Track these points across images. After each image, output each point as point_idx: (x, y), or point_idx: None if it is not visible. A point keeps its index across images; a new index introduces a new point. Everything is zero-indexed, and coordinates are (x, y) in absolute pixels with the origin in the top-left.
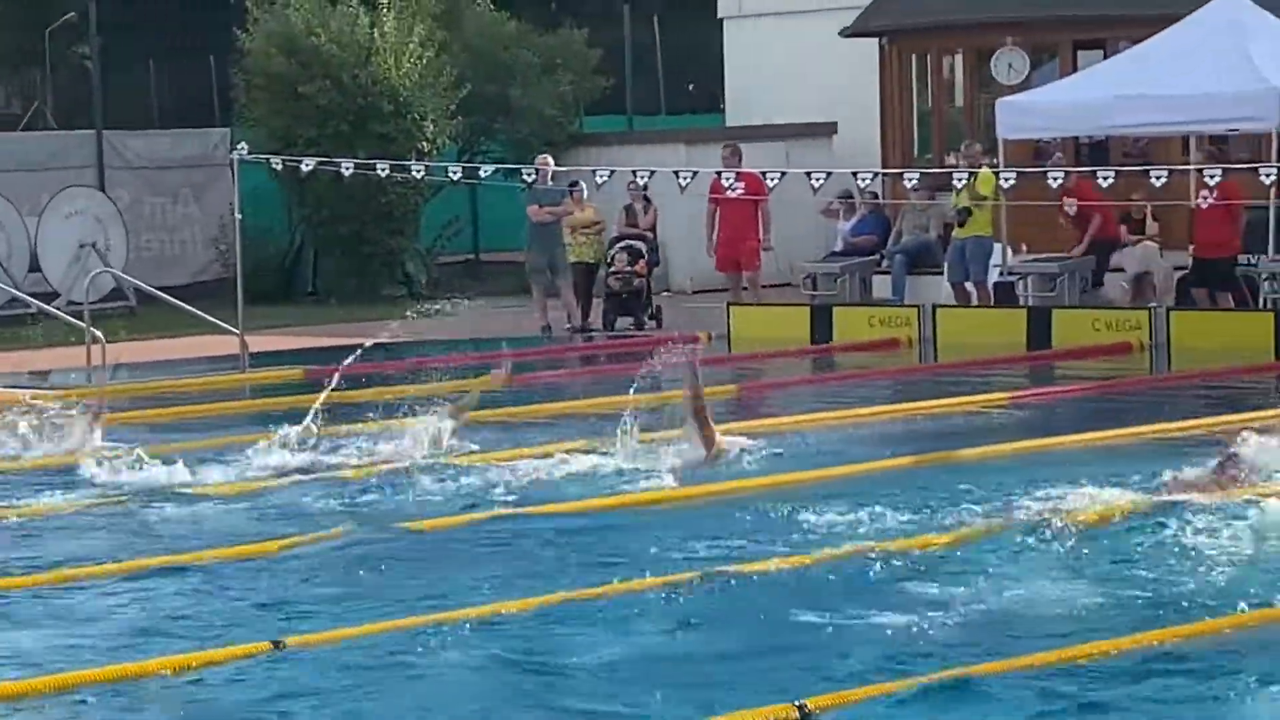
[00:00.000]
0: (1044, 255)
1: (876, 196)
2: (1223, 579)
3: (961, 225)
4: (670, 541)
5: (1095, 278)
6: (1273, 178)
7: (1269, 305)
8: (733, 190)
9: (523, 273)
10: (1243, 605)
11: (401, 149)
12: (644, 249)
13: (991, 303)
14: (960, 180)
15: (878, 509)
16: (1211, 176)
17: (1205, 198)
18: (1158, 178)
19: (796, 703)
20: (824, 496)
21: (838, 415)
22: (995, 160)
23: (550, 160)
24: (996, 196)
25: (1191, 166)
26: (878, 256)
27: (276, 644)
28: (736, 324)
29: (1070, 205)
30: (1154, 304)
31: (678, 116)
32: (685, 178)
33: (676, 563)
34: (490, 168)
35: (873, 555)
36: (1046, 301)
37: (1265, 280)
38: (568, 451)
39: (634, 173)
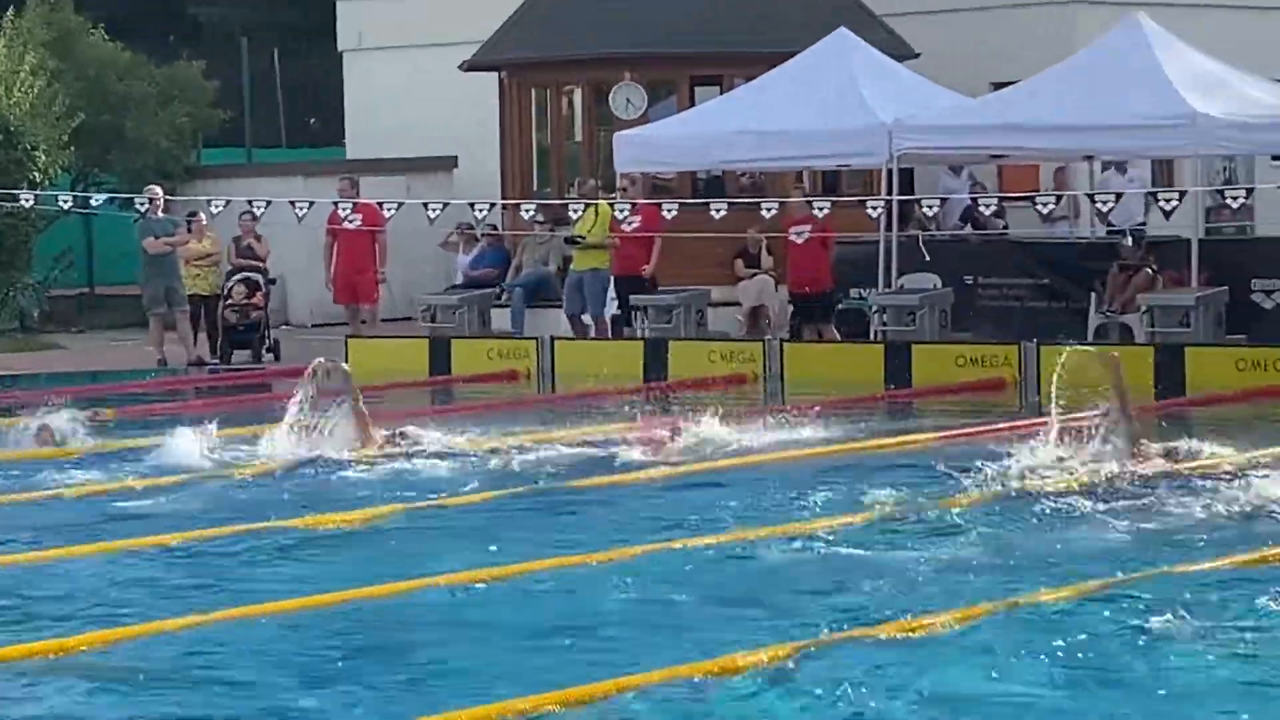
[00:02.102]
0: (663, 289)
1: (496, 229)
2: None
3: (570, 241)
4: None
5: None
6: (880, 212)
7: (879, 338)
8: (350, 222)
9: (140, 305)
10: None
11: (12, 179)
12: (261, 281)
13: (609, 335)
14: (579, 213)
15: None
16: (820, 210)
17: (800, 233)
18: (769, 210)
19: None
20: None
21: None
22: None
23: (159, 191)
24: (609, 231)
25: (802, 199)
26: (497, 289)
27: None
28: (355, 357)
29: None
30: (769, 336)
31: (298, 150)
32: (302, 209)
33: None
34: (101, 197)
35: None
36: (664, 333)
37: (875, 313)
38: None
39: (249, 203)
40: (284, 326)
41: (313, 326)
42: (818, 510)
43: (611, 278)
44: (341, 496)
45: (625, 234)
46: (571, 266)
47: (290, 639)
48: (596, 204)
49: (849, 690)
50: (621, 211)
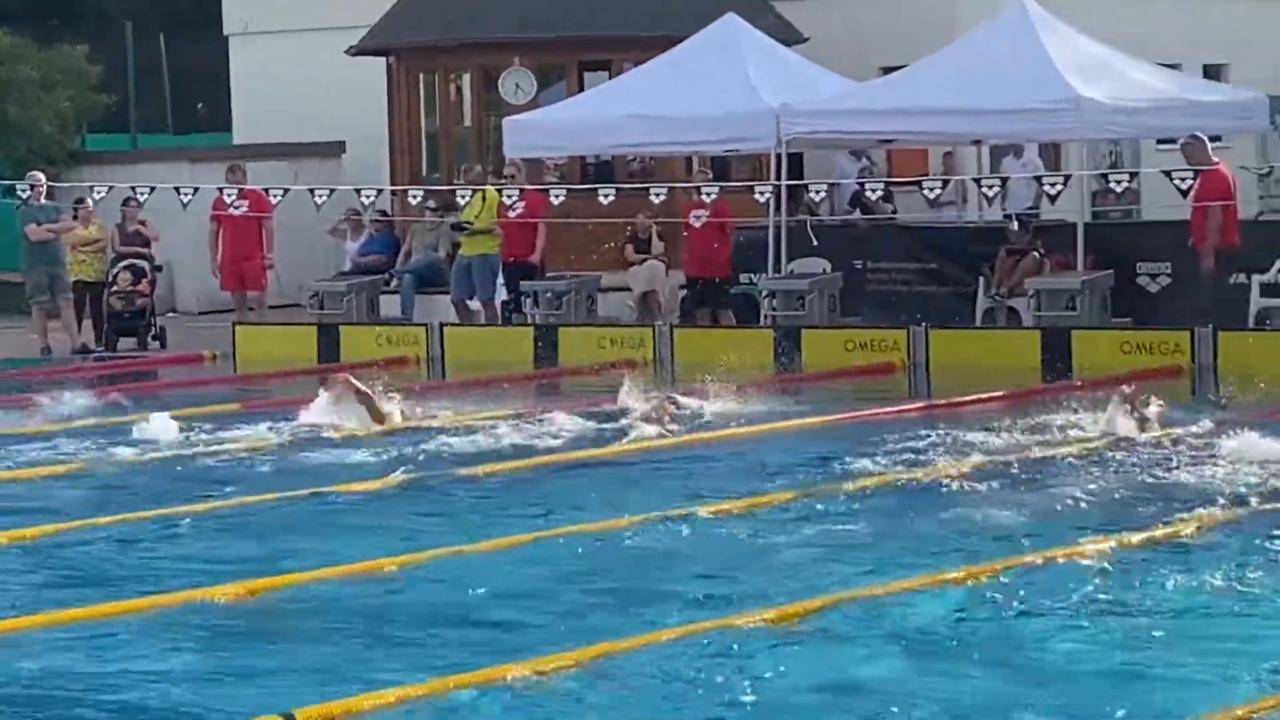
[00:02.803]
0: (553, 274)
1: (385, 215)
2: None
3: (457, 228)
4: None
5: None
6: (769, 196)
7: (770, 322)
8: (235, 208)
9: (23, 293)
10: None
11: None
12: (147, 268)
13: (499, 321)
14: (467, 199)
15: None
16: (708, 195)
17: (698, 217)
18: (658, 195)
19: None
20: None
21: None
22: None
23: (42, 177)
24: (496, 217)
25: (691, 184)
26: (386, 275)
27: None
28: (242, 344)
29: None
30: (659, 321)
31: (184, 135)
32: (188, 195)
33: None
34: None
35: None
36: (554, 319)
37: (765, 298)
38: None
39: (134, 189)
40: (170, 314)
41: (199, 314)
42: (712, 495)
43: (498, 264)
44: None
45: (511, 220)
46: (459, 252)
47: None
48: (484, 190)
49: (725, 676)
50: (509, 197)
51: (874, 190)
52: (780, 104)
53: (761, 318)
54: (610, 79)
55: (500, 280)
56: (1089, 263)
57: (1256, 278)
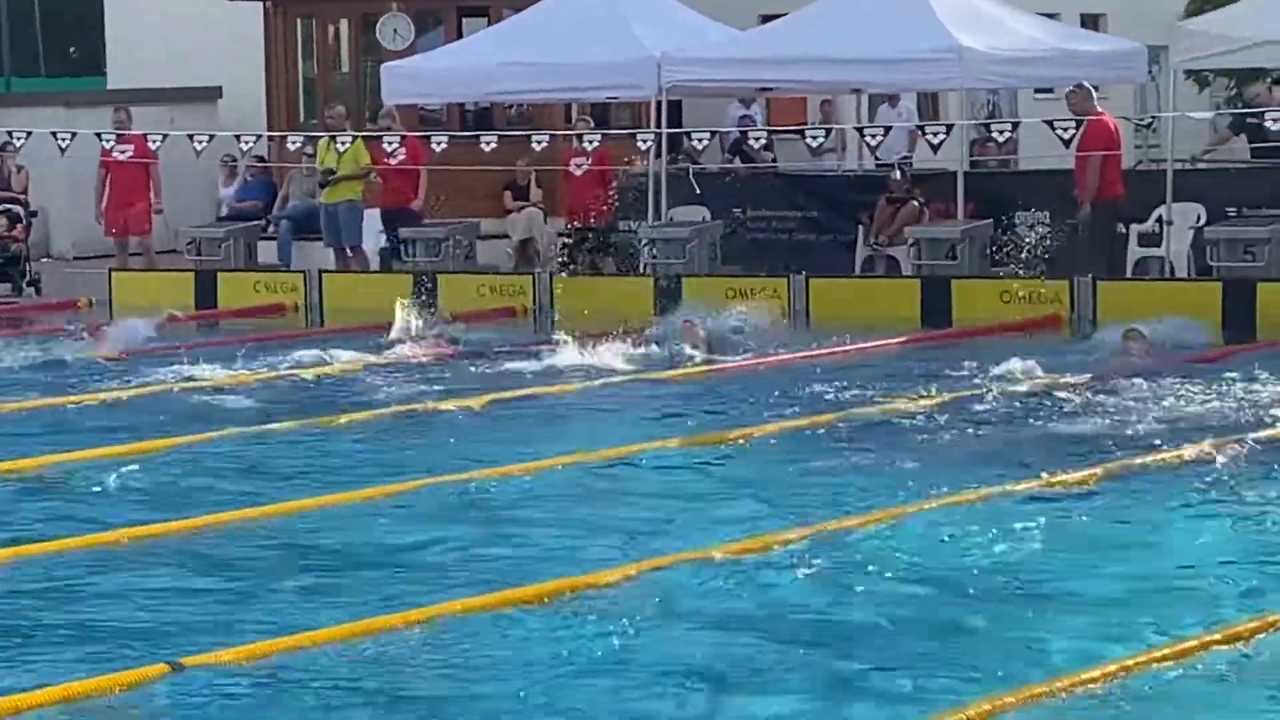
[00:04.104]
0: (434, 220)
1: (263, 160)
2: None
3: (323, 186)
4: None
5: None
6: (650, 144)
7: (649, 270)
8: (121, 153)
9: None
10: None
11: None
12: (22, 213)
13: (370, 267)
14: (344, 144)
15: None
16: (590, 143)
17: (579, 165)
18: (539, 143)
19: None
20: None
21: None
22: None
23: None
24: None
25: (572, 132)
26: (263, 221)
27: None
28: (119, 290)
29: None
30: (538, 269)
31: (58, 79)
32: (64, 140)
33: None
34: None
35: None
36: (432, 266)
37: (645, 246)
38: None
39: (9, 134)
40: (45, 260)
41: (75, 259)
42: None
43: (364, 210)
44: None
45: (391, 166)
46: (323, 199)
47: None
48: (340, 136)
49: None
50: (389, 144)
51: (756, 138)
52: (661, 52)
53: (641, 266)
54: (489, 25)
55: (379, 227)
56: (968, 212)
57: (1135, 228)
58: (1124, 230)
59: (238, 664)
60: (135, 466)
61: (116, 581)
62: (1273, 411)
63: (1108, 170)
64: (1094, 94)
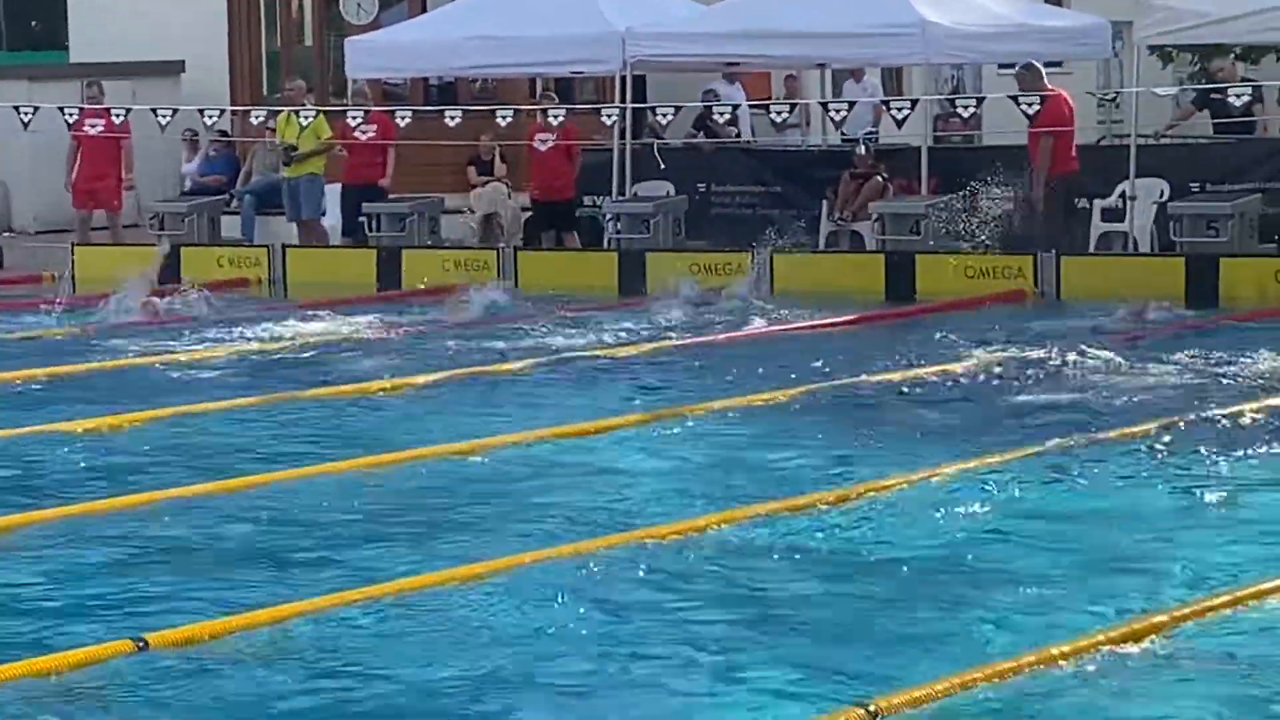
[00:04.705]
0: (396, 196)
1: (226, 135)
2: None
3: (289, 164)
4: None
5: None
6: (615, 119)
7: (613, 245)
8: (92, 127)
9: None
10: None
11: None
12: None
13: (329, 242)
14: (306, 119)
15: None
16: (555, 117)
17: (544, 140)
18: (504, 118)
19: None
20: None
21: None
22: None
23: None
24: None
25: (536, 107)
26: (227, 196)
27: None
28: (82, 264)
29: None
30: (501, 244)
31: (19, 53)
32: (27, 114)
33: None
34: None
35: None
36: (397, 241)
37: (609, 221)
38: None
39: None
40: (7, 234)
41: (37, 233)
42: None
43: (324, 185)
44: None
45: (360, 141)
46: (285, 174)
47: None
48: (302, 113)
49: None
50: (354, 118)
51: (720, 113)
52: (626, 26)
53: (605, 241)
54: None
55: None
56: (932, 186)
57: (1098, 202)
58: (1087, 205)
59: (203, 640)
60: (94, 440)
61: (75, 557)
62: (1239, 384)
63: (1060, 146)
64: (1044, 73)
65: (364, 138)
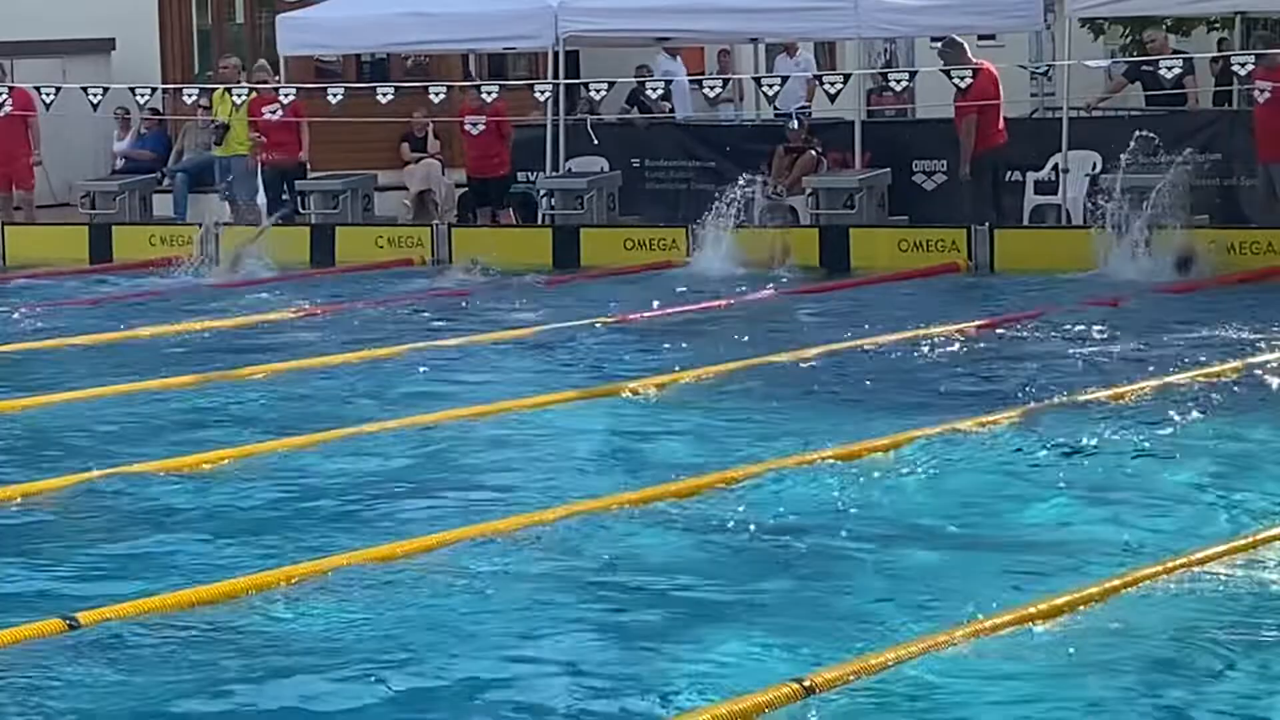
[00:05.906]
0: (327, 173)
1: (157, 113)
2: None
3: (220, 144)
4: None
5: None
6: (548, 95)
7: (548, 221)
8: (3, 109)
9: None
10: None
11: None
12: None
13: (260, 220)
14: (240, 97)
15: None
16: (488, 94)
17: (475, 124)
18: (437, 95)
19: None
20: None
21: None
22: (261, 79)
23: None
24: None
25: (469, 84)
26: (158, 174)
27: None
28: (11, 244)
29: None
30: (436, 221)
31: None
32: None
33: None
34: None
35: None
36: (330, 219)
37: (544, 197)
38: None
39: None
40: None
41: None
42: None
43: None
44: None
45: (272, 121)
46: (217, 153)
47: None
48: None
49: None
50: (281, 100)
51: (654, 89)
52: (558, 2)
53: (540, 217)
54: None
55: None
56: (865, 161)
57: (1031, 175)
58: (1020, 178)
59: (136, 617)
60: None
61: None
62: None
63: (989, 120)
64: (967, 47)
65: (273, 118)
